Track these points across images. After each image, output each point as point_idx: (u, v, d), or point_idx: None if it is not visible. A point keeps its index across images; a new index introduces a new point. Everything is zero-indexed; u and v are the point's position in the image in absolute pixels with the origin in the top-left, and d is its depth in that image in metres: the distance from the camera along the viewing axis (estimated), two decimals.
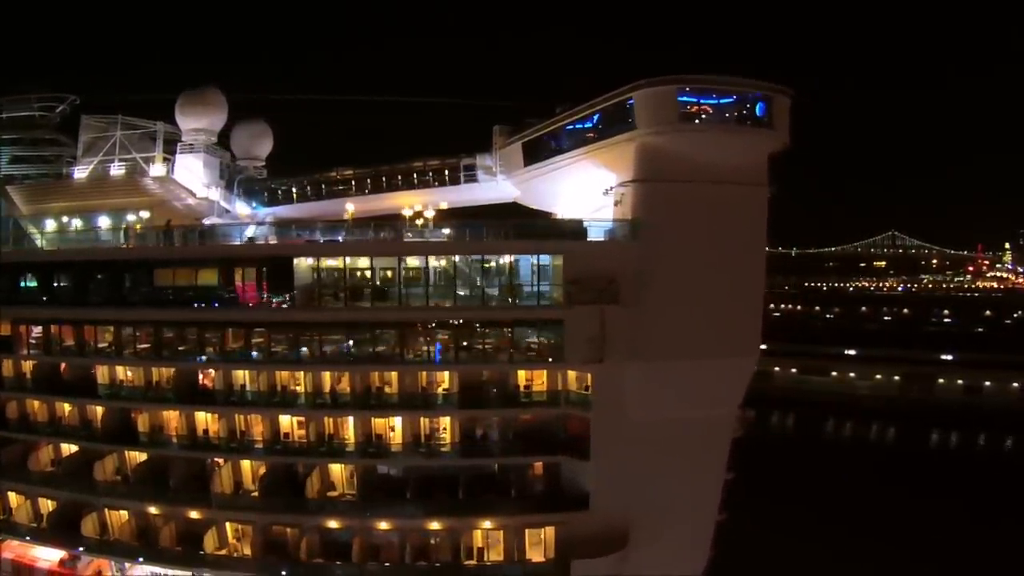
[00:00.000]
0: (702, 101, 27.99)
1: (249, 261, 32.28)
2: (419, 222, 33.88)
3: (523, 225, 32.54)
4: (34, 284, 35.29)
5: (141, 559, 32.67)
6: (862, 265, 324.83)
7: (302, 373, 32.25)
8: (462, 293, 31.97)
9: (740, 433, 33.42)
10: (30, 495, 35.46)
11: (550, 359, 30.69)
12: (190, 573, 32.71)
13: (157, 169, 41.71)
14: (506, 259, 31.92)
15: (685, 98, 27.86)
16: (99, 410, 34.61)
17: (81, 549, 33.67)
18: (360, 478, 32.36)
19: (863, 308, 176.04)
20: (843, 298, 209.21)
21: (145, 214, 37.28)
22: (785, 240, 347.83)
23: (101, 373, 34.22)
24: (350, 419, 32.41)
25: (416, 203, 36.98)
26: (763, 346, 32.72)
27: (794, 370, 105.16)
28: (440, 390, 32.23)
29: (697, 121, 28.05)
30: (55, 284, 35.12)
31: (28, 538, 34.95)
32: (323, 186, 40.63)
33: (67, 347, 34.55)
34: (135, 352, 33.23)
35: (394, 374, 31.65)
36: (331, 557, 30.93)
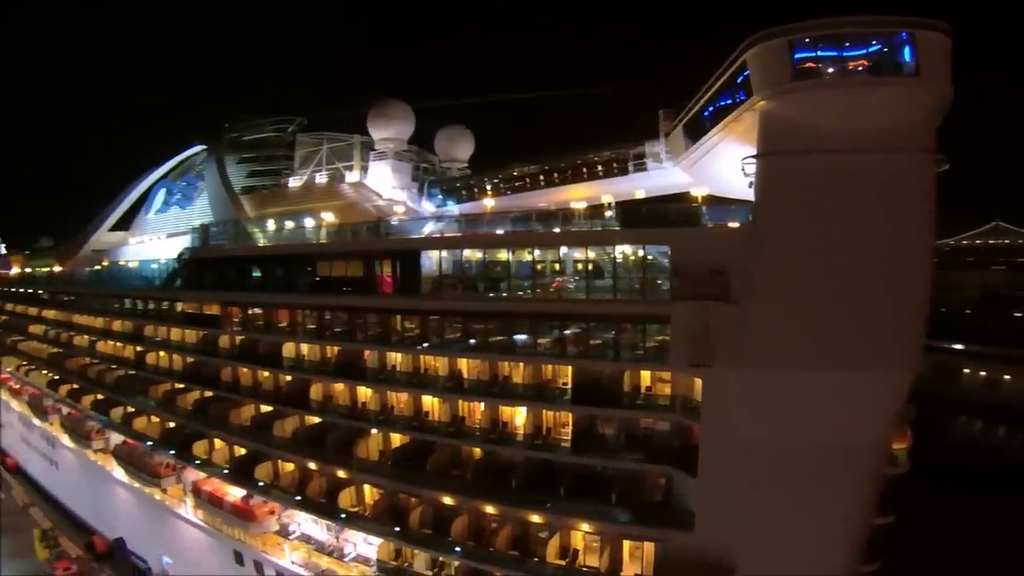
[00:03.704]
0: (825, 53, 22.49)
1: (383, 255, 35.63)
2: (608, 213, 33.47)
3: (627, 212, 30.18)
4: (234, 274, 43.83)
5: (293, 504, 38.77)
6: None
7: (439, 358, 34.55)
8: (571, 286, 31.27)
9: (904, 468, 26.41)
10: (229, 443, 44.50)
11: (655, 360, 28.12)
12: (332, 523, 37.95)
13: (352, 176, 49.16)
14: (626, 249, 30.01)
15: (803, 53, 22.66)
16: (288, 378, 41.82)
17: (253, 489, 41.07)
18: (480, 461, 33.41)
19: None
20: None
21: (329, 215, 43.85)
22: None
23: (287, 348, 41.28)
24: (481, 405, 33.85)
25: (588, 196, 36.92)
26: None
27: None
28: (561, 384, 31.81)
29: (822, 77, 22.59)
30: (251, 274, 43.06)
31: (220, 476, 43.57)
32: (515, 182, 42.91)
33: (258, 325, 42.46)
34: (304, 331, 39.51)
35: (521, 364, 32.21)
36: (438, 530, 32.68)
